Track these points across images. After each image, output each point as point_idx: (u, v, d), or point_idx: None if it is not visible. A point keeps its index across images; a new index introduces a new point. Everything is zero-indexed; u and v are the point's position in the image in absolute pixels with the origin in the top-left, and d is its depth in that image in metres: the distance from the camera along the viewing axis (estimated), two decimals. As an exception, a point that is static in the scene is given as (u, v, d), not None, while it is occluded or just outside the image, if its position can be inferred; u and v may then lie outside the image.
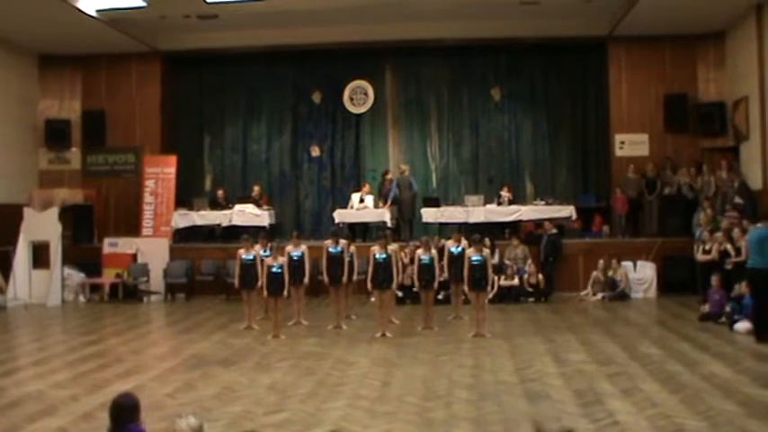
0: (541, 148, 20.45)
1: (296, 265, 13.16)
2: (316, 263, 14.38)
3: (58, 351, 11.95)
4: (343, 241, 13.79)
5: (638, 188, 18.52)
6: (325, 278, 13.59)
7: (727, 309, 12.97)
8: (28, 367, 10.76)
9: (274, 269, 12.62)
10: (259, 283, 13.02)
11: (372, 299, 14.24)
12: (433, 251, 13.19)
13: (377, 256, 12.62)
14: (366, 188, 19.01)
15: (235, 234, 17.60)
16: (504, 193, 18.52)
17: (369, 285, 12.87)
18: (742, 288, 12.65)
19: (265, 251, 13.63)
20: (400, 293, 15.62)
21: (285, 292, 12.76)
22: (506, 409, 7.99)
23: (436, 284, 13.24)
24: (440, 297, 15.06)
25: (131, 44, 19.27)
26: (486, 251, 12.72)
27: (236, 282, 13.59)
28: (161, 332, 14.71)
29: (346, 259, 13.60)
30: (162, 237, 18.98)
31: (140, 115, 20.42)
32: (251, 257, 13.32)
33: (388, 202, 18.52)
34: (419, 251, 13.01)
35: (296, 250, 13.37)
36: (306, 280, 13.48)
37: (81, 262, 18.30)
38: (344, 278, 13.55)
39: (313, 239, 17.14)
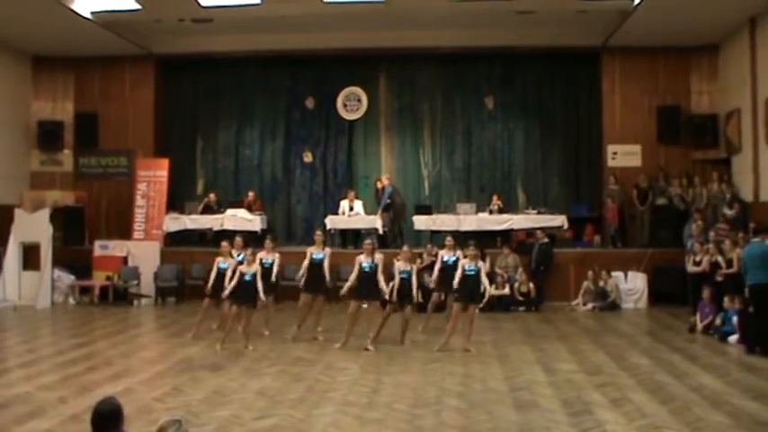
0: (534, 157, 20.49)
1: (265, 273, 12.59)
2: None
3: (47, 353, 11.89)
4: (327, 249, 13.27)
5: (621, 199, 18.59)
6: (302, 284, 13.02)
7: (718, 321, 13.02)
8: (16, 369, 10.70)
9: (246, 277, 12.11)
10: (225, 293, 12.38)
11: (365, 306, 13.68)
12: (413, 265, 12.82)
13: (363, 264, 12.07)
14: (351, 195, 18.86)
15: (226, 238, 17.41)
16: (495, 202, 18.55)
17: (351, 295, 12.27)
18: (735, 303, 12.63)
19: (239, 254, 13.20)
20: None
21: (259, 301, 12.16)
22: (495, 417, 7.98)
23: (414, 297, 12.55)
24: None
25: (125, 47, 19.24)
26: (481, 262, 12.46)
27: (208, 288, 13.03)
28: (150, 336, 14.65)
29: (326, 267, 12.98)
30: (153, 240, 18.95)
31: (133, 118, 20.39)
32: (226, 265, 12.85)
33: (380, 210, 18.46)
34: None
35: (267, 257, 13.08)
36: (271, 288, 13.06)
37: (71, 264, 18.23)
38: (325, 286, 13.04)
39: (304, 245, 17.01)
